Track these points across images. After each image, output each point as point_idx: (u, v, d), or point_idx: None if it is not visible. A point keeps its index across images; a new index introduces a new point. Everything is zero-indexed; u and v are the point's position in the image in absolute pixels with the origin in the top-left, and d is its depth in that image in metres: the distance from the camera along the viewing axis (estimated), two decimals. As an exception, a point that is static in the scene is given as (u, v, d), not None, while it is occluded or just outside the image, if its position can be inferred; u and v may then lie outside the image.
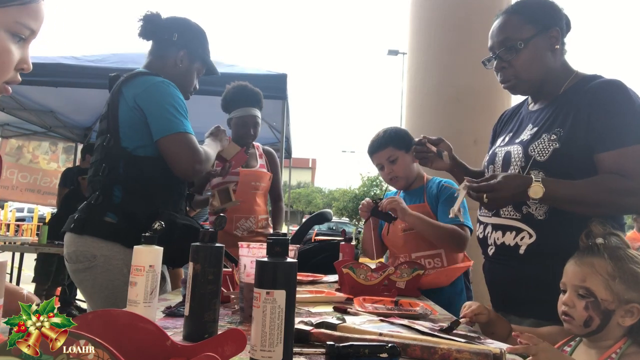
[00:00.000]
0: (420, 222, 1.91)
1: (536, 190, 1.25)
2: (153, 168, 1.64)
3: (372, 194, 24.86)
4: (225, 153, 2.09)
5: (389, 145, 2.06)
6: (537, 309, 1.32)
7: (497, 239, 1.44)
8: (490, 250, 1.48)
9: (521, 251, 1.38)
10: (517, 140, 1.46)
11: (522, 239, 1.38)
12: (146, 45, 1.85)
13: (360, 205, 2.05)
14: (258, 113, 2.56)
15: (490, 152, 1.59)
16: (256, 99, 2.56)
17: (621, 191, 1.25)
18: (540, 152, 1.36)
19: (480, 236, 1.53)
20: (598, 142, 1.29)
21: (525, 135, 1.45)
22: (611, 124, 1.29)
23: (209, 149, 1.85)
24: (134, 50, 4.38)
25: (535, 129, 1.43)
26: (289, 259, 0.83)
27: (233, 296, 1.36)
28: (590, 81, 1.38)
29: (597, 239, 1.12)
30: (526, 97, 1.59)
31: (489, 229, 1.49)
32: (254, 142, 2.65)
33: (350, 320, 1.14)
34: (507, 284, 1.44)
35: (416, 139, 1.75)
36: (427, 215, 1.96)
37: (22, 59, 0.84)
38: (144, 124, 1.61)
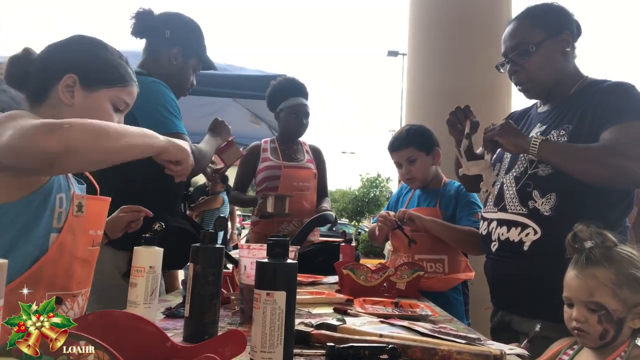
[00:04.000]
0: (438, 226, 1.91)
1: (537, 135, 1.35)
2: (145, 169, 1.62)
3: (372, 195, 24.87)
4: (226, 157, 2.06)
5: (410, 146, 2.05)
6: (542, 310, 1.32)
7: (502, 234, 1.44)
8: (494, 247, 1.48)
9: (525, 247, 1.38)
10: None
11: (527, 235, 1.38)
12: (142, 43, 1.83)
13: (381, 219, 2.00)
14: (307, 103, 2.56)
15: (498, 151, 1.59)
16: (304, 90, 2.56)
17: (617, 153, 1.26)
18: None
19: (484, 232, 1.54)
20: (601, 126, 1.32)
21: (534, 133, 1.48)
22: (614, 110, 1.32)
23: (206, 145, 1.82)
24: (133, 49, 4.38)
25: (544, 127, 1.47)
26: (289, 260, 0.83)
27: (233, 297, 1.36)
28: (599, 84, 1.42)
29: (586, 242, 1.11)
30: (533, 101, 1.61)
31: (493, 224, 1.49)
32: (299, 139, 2.63)
33: (351, 322, 1.14)
34: (510, 282, 1.44)
35: (463, 106, 1.63)
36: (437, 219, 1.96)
37: (117, 122, 1.12)
38: (135, 124, 1.60)
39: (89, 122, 0.90)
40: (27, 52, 1.09)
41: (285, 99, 2.51)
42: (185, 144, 1.09)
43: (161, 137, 1.04)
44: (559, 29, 1.46)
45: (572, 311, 1.09)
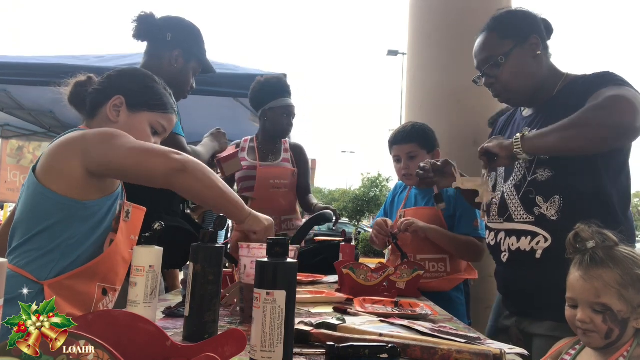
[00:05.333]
0: (440, 236, 1.92)
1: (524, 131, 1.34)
2: None
3: (372, 195, 24.84)
4: (227, 167, 2.06)
5: (413, 141, 2.06)
6: (556, 311, 1.31)
7: (512, 244, 1.43)
8: (504, 257, 1.46)
9: (537, 255, 1.37)
10: None
11: (537, 243, 1.37)
12: (144, 45, 1.85)
13: (377, 227, 2.01)
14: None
15: (491, 174, 1.58)
16: (290, 90, 2.57)
17: (594, 108, 1.25)
18: None
19: (492, 243, 1.52)
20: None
21: None
22: (599, 88, 1.32)
23: (202, 148, 1.83)
24: (133, 51, 4.38)
25: (535, 130, 1.44)
26: (289, 260, 0.83)
27: (228, 294, 1.34)
28: (579, 81, 1.41)
29: (588, 242, 1.11)
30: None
31: (501, 235, 1.47)
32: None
33: (350, 321, 1.14)
34: (524, 290, 1.43)
35: (421, 164, 1.71)
36: (437, 218, 1.96)
37: (154, 143, 1.26)
38: None
39: (206, 167, 1.14)
40: (90, 78, 1.28)
41: (275, 98, 2.50)
42: (264, 217, 1.24)
43: (246, 210, 1.21)
44: (525, 34, 1.45)
45: (577, 312, 1.08)
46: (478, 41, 1.53)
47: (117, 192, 1.22)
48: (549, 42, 1.51)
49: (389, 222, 2.05)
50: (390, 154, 2.15)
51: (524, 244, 1.40)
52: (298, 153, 2.68)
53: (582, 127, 1.25)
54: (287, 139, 2.68)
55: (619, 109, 1.22)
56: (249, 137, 2.67)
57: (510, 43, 1.45)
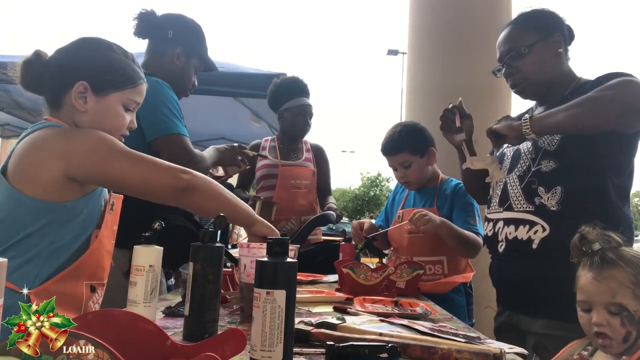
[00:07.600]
0: (449, 232, 1.85)
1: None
2: None
3: (372, 194, 24.86)
4: (229, 168, 2.05)
5: (403, 151, 2.01)
6: (549, 308, 1.31)
7: (509, 233, 1.44)
8: (501, 247, 1.47)
9: (534, 245, 1.37)
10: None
11: (535, 232, 1.37)
12: (144, 43, 1.84)
13: (353, 231, 2.04)
14: (311, 103, 2.57)
15: (498, 153, 1.61)
16: (307, 89, 2.57)
17: (611, 86, 1.28)
18: (549, 143, 1.40)
19: (490, 234, 1.53)
20: None
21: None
22: (606, 81, 1.33)
23: (207, 154, 1.83)
24: (134, 49, 4.37)
25: (542, 109, 1.47)
26: (289, 259, 0.83)
27: (228, 296, 1.35)
28: (589, 83, 1.42)
29: (594, 244, 1.10)
30: (532, 103, 1.62)
31: (499, 224, 1.48)
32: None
33: (350, 320, 1.14)
34: (518, 282, 1.43)
35: (450, 106, 1.67)
36: None
37: (130, 121, 1.22)
38: (138, 123, 1.60)
39: (211, 180, 1.17)
40: (37, 54, 1.14)
41: (290, 99, 2.50)
42: (270, 225, 1.25)
43: (254, 216, 1.24)
44: (549, 30, 1.48)
45: (591, 315, 1.05)
46: (503, 34, 1.56)
47: (99, 189, 1.16)
48: (569, 47, 1.54)
49: (366, 223, 2.05)
50: (387, 162, 2.13)
51: (522, 232, 1.40)
52: (319, 154, 2.67)
53: (592, 104, 1.27)
54: (307, 139, 2.67)
55: (630, 90, 1.25)
56: (269, 137, 2.69)
57: (534, 36, 1.48)
